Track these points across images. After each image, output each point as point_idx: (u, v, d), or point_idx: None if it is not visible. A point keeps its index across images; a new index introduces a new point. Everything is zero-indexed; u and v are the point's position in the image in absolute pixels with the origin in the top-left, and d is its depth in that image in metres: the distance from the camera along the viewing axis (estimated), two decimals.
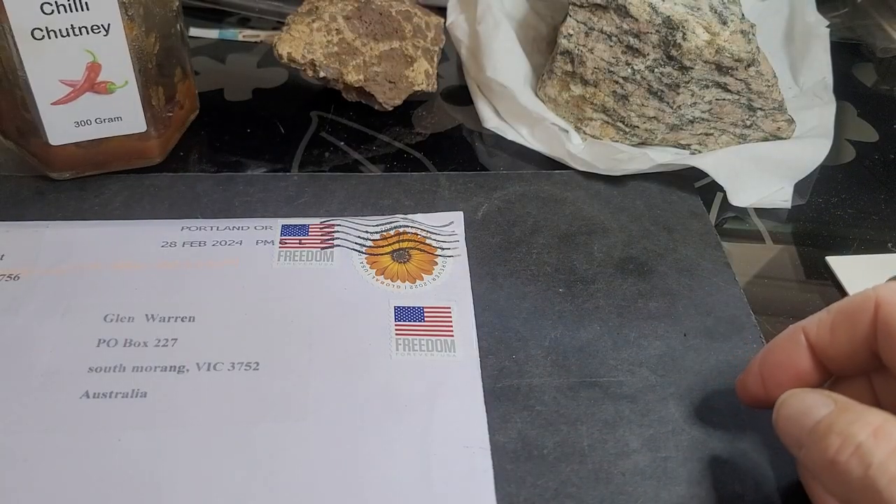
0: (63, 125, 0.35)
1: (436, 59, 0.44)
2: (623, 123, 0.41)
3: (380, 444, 0.27)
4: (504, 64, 0.43)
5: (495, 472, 0.27)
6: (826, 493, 0.25)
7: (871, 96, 0.49)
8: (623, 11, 0.39)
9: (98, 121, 0.36)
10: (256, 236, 0.35)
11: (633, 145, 0.42)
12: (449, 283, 0.33)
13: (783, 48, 0.49)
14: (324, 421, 0.28)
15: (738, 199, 0.39)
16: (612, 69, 0.40)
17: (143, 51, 0.35)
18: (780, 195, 0.40)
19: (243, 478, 0.26)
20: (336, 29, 0.41)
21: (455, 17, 0.46)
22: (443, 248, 0.35)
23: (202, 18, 0.51)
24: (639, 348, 0.32)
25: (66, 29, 0.33)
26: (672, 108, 0.40)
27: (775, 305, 0.35)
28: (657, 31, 0.38)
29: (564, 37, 0.41)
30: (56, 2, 0.32)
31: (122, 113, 0.36)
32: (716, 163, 0.39)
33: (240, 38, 0.50)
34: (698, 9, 0.38)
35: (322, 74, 0.41)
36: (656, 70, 0.39)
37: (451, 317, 0.32)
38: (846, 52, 0.53)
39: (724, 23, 0.38)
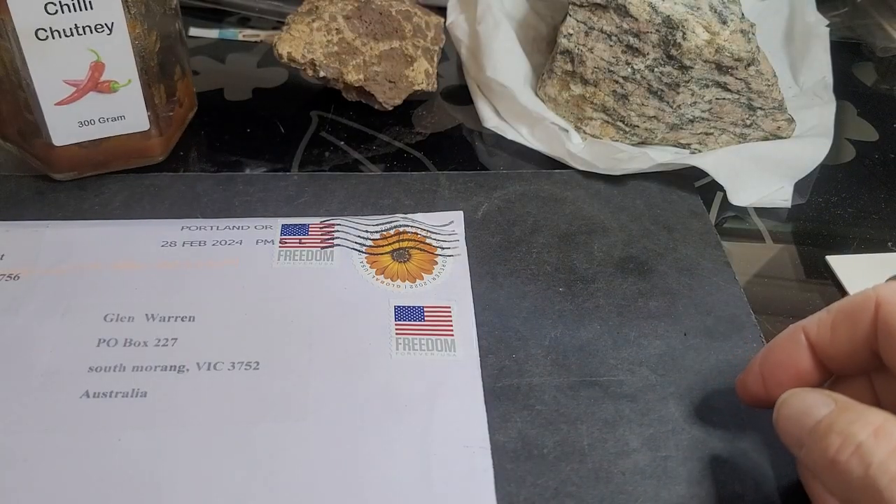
0: (66, 125, 0.35)
1: (436, 58, 0.44)
2: (623, 123, 0.41)
3: (380, 443, 0.27)
4: (504, 64, 0.43)
5: (495, 472, 0.27)
6: (826, 492, 0.25)
7: (871, 96, 0.49)
8: (623, 11, 0.39)
9: (101, 120, 0.36)
10: (256, 236, 0.35)
11: (633, 145, 0.42)
12: (449, 283, 0.33)
13: (783, 48, 0.49)
14: (324, 421, 0.28)
15: (738, 198, 0.39)
16: (612, 69, 0.40)
17: (146, 49, 0.35)
18: (780, 194, 0.40)
19: (243, 478, 0.26)
20: (336, 29, 0.41)
21: (455, 17, 0.46)
22: (443, 248, 0.35)
23: (202, 18, 0.51)
24: (639, 347, 0.32)
25: (70, 29, 0.33)
26: (672, 107, 0.40)
27: (775, 305, 0.35)
28: (657, 30, 0.38)
29: (564, 36, 0.41)
30: (60, 2, 0.32)
31: (125, 112, 0.36)
32: (716, 162, 0.39)
33: (240, 38, 0.50)
34: (698, 8, 0.38)
35: (322, 74, 0.41)
36: (656, 69, 0.39)
37: (451, 316, 0.32)
38: (846, 52, 0.53)
39: (724, 22, 0.38)
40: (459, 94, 0.46)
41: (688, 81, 0.39)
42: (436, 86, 0.44)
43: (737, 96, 0.40)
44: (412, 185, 0.39)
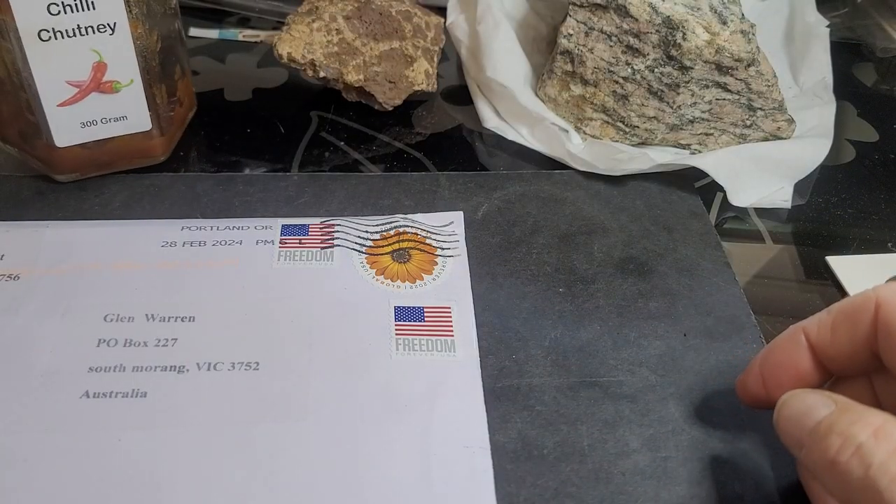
0: (69, 127, 0.35)
1: (436, 59, 0.44)
2: (623, 123, 0.41)
3: (380, 444, 0.27)
4: (504, 64, 0.43)
5: (495, 472, 0.27)
6: (826, 493, 0.25)
7: (871, 96, 0.49)
8: (623, 11, 0.39)
9: (104, 121, 0.36)
10: (256, 236, 0.35)
11: (633, 145, 0.42)
12: (449, 283, 0.33)
13: (783, 48, 0.49)
14: (324, 421, 0.28)
15: (738, 198, 0.39)
16: (612, 69, 0.40)
17: (148, 49, 0.35)
18: (780, 195, 0.40)
19: (243, 478, 0.26)
20: (336, 29, 0.41)
21: (455, 17, 0.46)
22: (443, 248, 0.35)
23: (202, 18, 0.51)
24: (639, 348, 0.32)
25: (73, 29, 0.33)
26: (672, 107, 0.40)
27: (775, 305, 0.35)
28: (657, 30, 0.38)
29: (564, 37, 0.41)
30: (63, 2, 0.32)
31: (127, 112, 0.36)
32: (716, 163, 0.39)
33: (240, 38, 0.50)
34: (698, 9, 0.38)
35: (322, 74, 0.41)
36: (656, 70, 0.39)
37: (451, 317, 0.32)
38: (846, 52, 0.53)
39: (724, 23, 0.38)
40: (459, 94, 0.46)
41: (688, 82, 0.39)
42: (436, 86, 0.44)
43: (737, 97, 0.40)
44: (412, 185, 0.39)
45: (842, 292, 0.36)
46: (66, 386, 0.28)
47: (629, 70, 0.40)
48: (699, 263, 0.36)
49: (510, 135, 0.42)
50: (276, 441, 0.27)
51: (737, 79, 0.39)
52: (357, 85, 0.42)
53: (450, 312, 0.32)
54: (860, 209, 0.41)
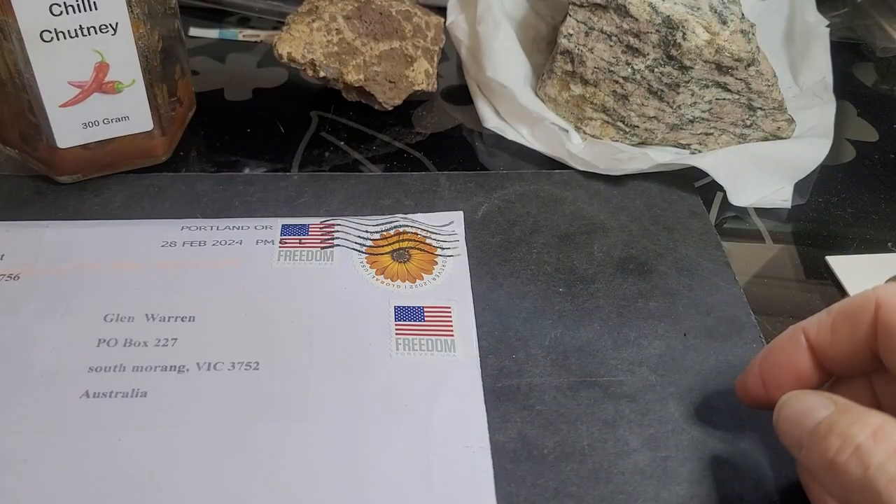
0: (71, 127, 0.35)
1: (436, 58, 0.44)
2: (623, 123, 0.41)
3: (380, 444, 0.27)
4: (504, 64, 0.43)
5: (495, 472, 0.27)
6: (826, 493, 0.25)
7: (871, 96, 0.49)
8: (623, 11, 0.39)
9: (106, 121, 0.36)
10: (256, 236, 0.35)
11: (633, 145, 0.42)
12: (449, 283, 0.33)
13: (783, 48, 0.49)
14: (324, 421, 0.28)
15: (738, 198, 0.39)
16: (612, 69, 0.40)
17: (149, 48, 0.35)
18: (780, 195, 0.40)
19: (243, 478, 0.26)
20: (336, 29, 0.41)
21: (455, 17, 0.46)
22: (443, 248, 0.35)
23: (202, 18, 0.51)
24: (639, 348, 0.32)
25: (75, 30, 0.33)
26: (672, 107, 0.40)
27: (775, 305, 0.35)
28: (657, 30, 0.38)
29: (564, 36, 0.41)
30: (65, 2, 0.32)
31: (129, 112, 0.36)
32: (716, 162, 0.39)
33: (240, 38, 0.50)
34: (698, 8, 0.38)
35: (322, 74, 0.41)
36: (656, 70, 0.39)
37: (451, 316, 0.32)
38: (846, 52, 0.53)
39: (724, 22, 0.38)
40: (459, 94, 0.46)
41: (688, 82, 0.39)
42: (436, 86, 0.44)
43: (737, 96, 0.40)
44: (412, 185, 0.39)
45: (842, 292, 0.36)
46: (66, 386, 0.28)
47: (629, 70, 0.40)
48: (699, 263, 0.36)
49: (510, 135, 0.42)
50: (276, 441, 0.27)
51: (737, 79, 0.39)
52: (357, 85, 0.42)
53: (450, 312, 0.32)
54: (860, 209, 0.41)
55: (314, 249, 0.34)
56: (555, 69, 0.42)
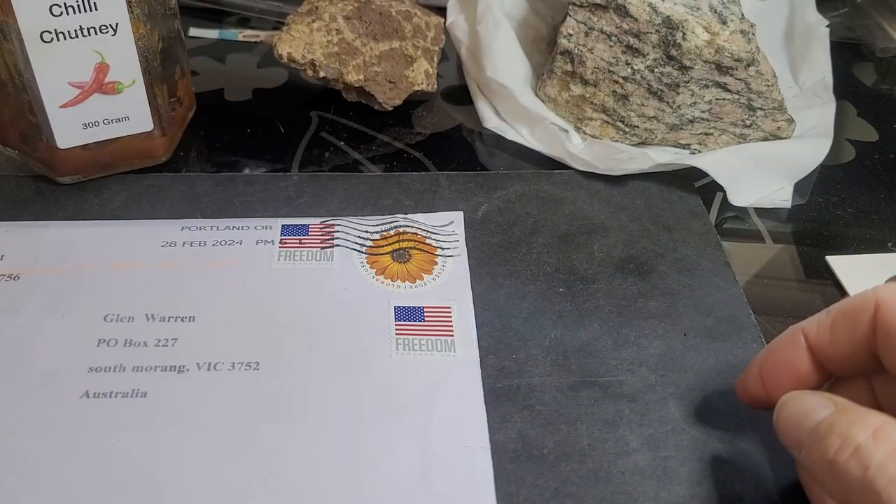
0: (71, 128, 0.35)
1: (436, 59, 0.44)
2: (623, 123, 0.41)
3: (380, 444, 0.27)
4: (504, 64, 0.43)
5: (495, 472, 0.27)
6: (826, 494, 0.25)
7: (871, 96, 0.49)
8: (623, 11, 0.39)
9: (106, 122, 0.36)
10: (256, 236, 0.35)
11: (633, 145, 0.42)
12: (449, 283, 0.33)
13: (783, 48, 0.49)
14: (324, 421, 0.28)
15: (738, 198, 0.39)
16: (612, 69, 0.40)
17: (149, 49, 0.35)
18: (780, 195, 0.40)
19: (243, 478, 0.26)
20: (336, 29, 0.41)
21: (455, 17, 0.46)
22: (443, 248, 0.35)
23: (202, 18, 0.51)
24: (639, 348, 0.32)
25: (75, 30, 0.33)
26: (672, 107, 0.40)
27: (775, 305, 0.35)
28: (657, 30, 0.38)
29: (564, 37, 0.41)
30: (65, 3, 0.32)
31: (129, 113, 0.36)
32: (716, 162, 0.39)
33: (240, 38, 0.50)
34: (698, 8, 0.38)
35: (322, 74, 0.41)
36: (656, 70, 0.39)
37: (451, 316, 0.32)
38: (846, 52, 0.53)
39: (724, 22, 0.38)
40: (459, 94, 0.46)
41: (688, 82, 0.39)
42: (436, 86, 0.44)
43: (737, 97, 0.40)
44: (412, 185, 0.39)
45: (842, 292, 0.36)
46: (66, 386, 0.28)
47: (629, 70, 0.40)
48: (699, 263, 0.36)
49: (510, 135, 0.42)
50: (276, 441, 0.27)
51: (737, 79, 0.39)
52: (357, 85, 0.42)
53: (450, 312, 0.32)
54: (860, 209, 0.41)
55: (314, 249, 0.34)
56: (555, 69, 0.42)
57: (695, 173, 0.40)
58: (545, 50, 0.46)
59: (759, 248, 0.38)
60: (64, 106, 0.34)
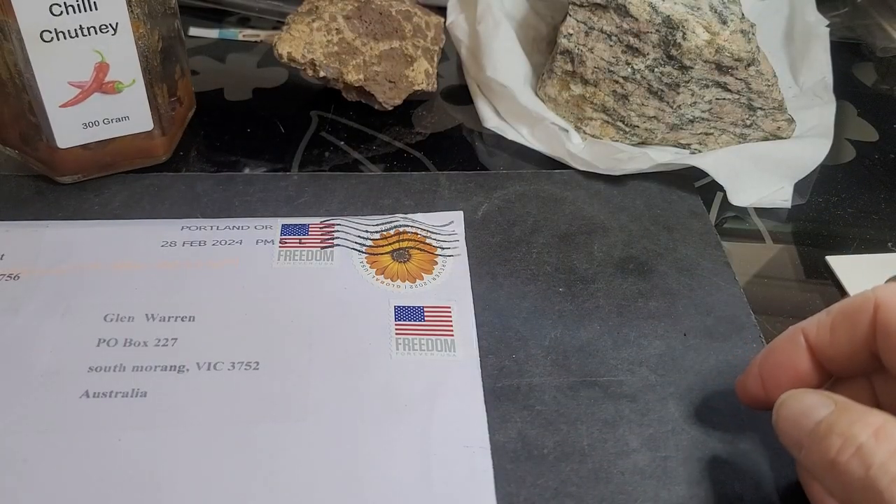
0: (71, 128, 0.35)
1: (436, 58, 0.44)
2: (623, 123, 0.41)
3: (380, 443, 0.27)
4: (504, 64, 0.43)
5: (495, 472, 0.27)
6: (826, 494, 0.25)
7: (871, 96, 0.49)
8: (623, 11, 0.39)
9: (106, 121, 0.36)
10: (256, 236, 0.35)
11: (633, 145, 0.42)
12: (449, 283, 0.33)
13: (783, 48, 0.49)
14: (324, 421, 0.28)
15: (738, 198, 0.39)
16: (612, 69, 0.40)
17: (149, 48, 0.35)
18: (780, 195, 0.40)
19: (243, 478, 0.26)
20: (336, 28, 0.41)
21: (455, 17, 0.46)
22: (443, 248, 0.35)
23: (202, 18, 0.51)
24: (639, 348, 0.32)
25: (75, 30, 0.33)
26: (672, 107, 0.40)
27: (775, 305, 0.35)
28: (657, 30, 0.38)
29: (564, 36, 0.41)
30: (65, 2, 0.32)
31: (129, 112, 0.36)
32: (716, 162, 0.39)
33: (240, 38, 0.50)
34: (698, 8, 0.38)
35: (322, 74, 0.41)
36: (656, 70, 0.39)
37: (451, 316, 0.32)
38: (846, 52, 0.53)
39: (724, 22, 0.38)
40: (459, 94, 0.46)
41: (688, 81, 0.39)
42: (436, 86, 0.44)
43: (737, 96, 0.40)
44: (412, 185, 0.39)
45: (842, 292, 0.36)
46: (66, 386, 0.28)
47: (629, 70, 0.40)
48: (699, 263, 0.36)
49: (510, 134, 0.42)
50: (276, 441, 0.27)
51: (737, 78, 0.39)
52: (357, 85, 0.42)
53: (450, 312, 0.32)
54: (860, 209, 0.41)
55: (314, 249, 0.34)
56: (555, 69, 0.42)
57: (695, 173, 0.40)
58: (545, 50, 0.46)
59: (759, 248, 0.38)
60: (64, 105, 0.34)
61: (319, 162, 0.41)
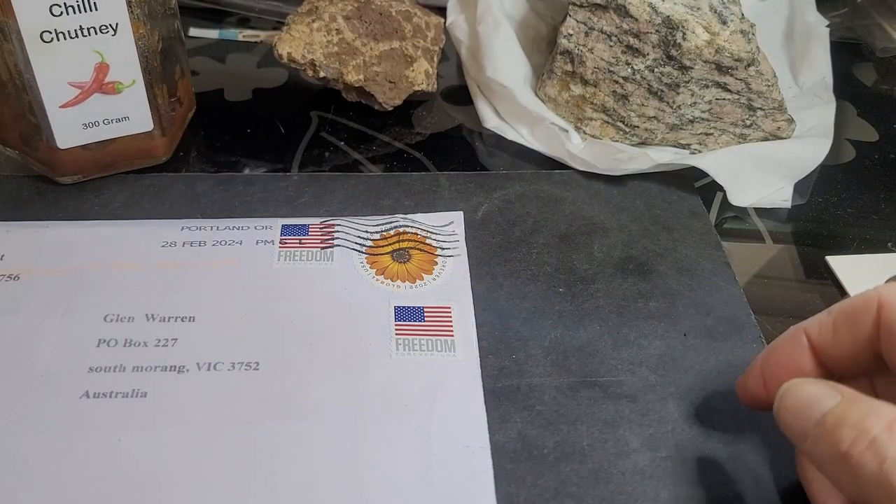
0: (71, 128, 0.35)
1: (436, 59, 0.44)
2: (623, 123, 0.41)
3: (380, 444, 0.27)
4: (504, 64, 0.43)
5: (495, 472, 0.27)
6: (827, 493, 0.24)
7: (871, 96, 0.49)
8: (623, 11, 0.39)
9: (106, 122, 0.36)
10: (256, 236, 0.35)
11: (633, 145, 0.42)
12: (449, 283, 0.33)
13: (783, 48, 0.49)
14: (324, 421, 0.28)
15: (738, 198, 0.39)
16: (612, 69, 0.40)
17: (149, 49, 0.35)
18: (780, 195, 0.40)
19: (243, 478, 0.26)
20: (336, 29, 0.41)
21: (455, 17, 0.46)
22: (443, 248, 0.35)
23: (202, 18, 0.51)
24: (639, 348, 0.32)
25: (75, 30, 0.33)
26: (672, 107, 0.40)
27: (775, 305, 0.35)
28: (657, 30, 0.38)
29: (564, 37, 0.41)
30: (65, 3, 0.32)
31: (129, 112, 0.36)
32: (716, 162, 0.39)
33: (240, 38, 0.50)
34: (698, 8, 0.38)
35: (322, 74, 0.41)
36: (656, 70, 0.39)
37: (451, 317, 0.32)
38: (846, 52, 0.53)
39: (724, 22, 0.38)
40: (459, 94, 0.46)
41: (688, 82, 0.39)
42: (436, 86, 0.44)
43: (737, 97, 0.40)
44: (412, 185, 0.39)
45: (842, 292, 0.36)
46: (66, 386, 0.28)
47: (629, 70, 0.40)
48: (699, 263, 0.36)
49: (510, 135, 0.42)
50: (276, 441, 0.27)
51: (737, 79, 0.39)
52: (357, 85, 0.42)
53: (450, 312, 0.32)
54: (860, 209, 0.41)
55: (314, 249, 0.34)
56: (555, 69, 0.42)
57: (695, 173, 0.40)
58: (545, 50, 0.46)
59: (759, 248, 0.38)
60: (64, 106, 0.34)
61: (319, 162, 0.41)
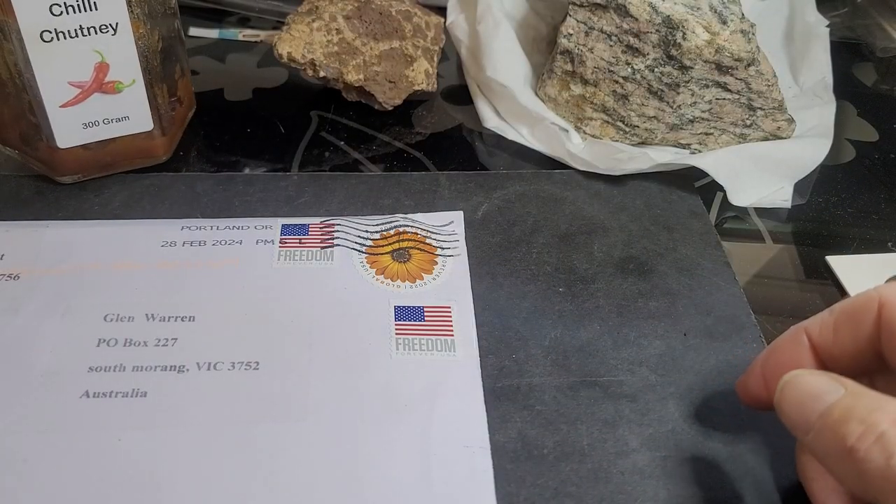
0: (71, 128, 0.35)
1: (436, 58, 0.44)
2: (623, 123, 0.41)
3: (380, 443, 0.27)
4: (504, 64, 0.43)
5: (495, 472, 0.27)
6: (827, 493, 0.24)
7: (871, 96, 0.49)
8: (623, 11, 0.39)
9: (106, 121, 0.36)
10: (256, 236, 0.35)
11: (633, 145, 0.42)
12: (449, 283, 0.33)
13: (783, 48, 0.49)
14: (324, 421, 0.28)
15: (738, 198, 0.39)
16: (612, 69, 0.40)
17: (149, 48, 0.35)
18: (780, 195, 0.40)
19: (243, 478, 0.26)
20: (336, 29, 0.41)
21: (455, 17, 0.46)
22: (443, 248, 0.35)
23: (202, 18, 0.51)
24: (639, 348, 0.32)
25: (75, 30, 0.33)
26: (672, 107, 0.40)
27: (775, 305, 0.35)
28: (657, 30, 0.38)
29: (564, 36, 0.41)
30: (65, 2, 0.32)
31: (129, 112, 0.36)
32: (716, 162, 0.39)
33: (240, 38, 0.50)
34: (698, 8, 0.38)
35: (322, 74, 0.41)
36: (656, 70, 0.39)
37: (451, 316, 0.32)
38: (846, 52, 0.53)
39: (724, 22, 0.38)
40: (459, 94, 0.46)
41: (688, 81, 0.39)
42: (436, 86, 0.44)
43: (737, 96, 0.40)
44: (412, 185, 0.39)
45: (842, 292, 0.36)
46: (66, 386, 0.28)
47: (629, 70, 0.40)
48: (699, 263, 0.36)
49: (510, 135, 0.42)
50: (276, 441, 0.27)
51: (737, 78, 0.39)
52: (357, 85, 0.42)
53: (450, 312, 0.32)
54: (860, 209, 0.41)
55: (314, 249, 0.34)
56: (555, 69, 0.42)
57: (695, 173, 0.40)
58: (545, 50, 0.46)
59: (759, 248, 0.38)
60: (64, 106, 0.34)
61: (319, 162, 0.41)
